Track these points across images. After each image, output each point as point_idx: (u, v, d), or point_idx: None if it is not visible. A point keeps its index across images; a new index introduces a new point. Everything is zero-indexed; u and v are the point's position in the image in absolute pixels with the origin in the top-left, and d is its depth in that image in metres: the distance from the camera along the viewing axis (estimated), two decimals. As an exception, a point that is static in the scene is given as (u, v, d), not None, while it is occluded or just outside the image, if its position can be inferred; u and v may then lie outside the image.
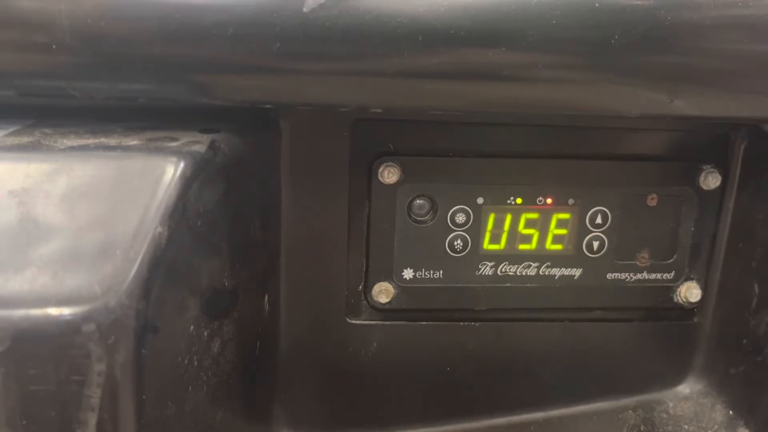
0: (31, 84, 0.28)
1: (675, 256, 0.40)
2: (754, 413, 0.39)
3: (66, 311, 0.24)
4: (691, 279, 0.40)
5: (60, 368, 0.23)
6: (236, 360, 0.33)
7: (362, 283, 0.39)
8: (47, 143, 0.27)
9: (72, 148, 0.27)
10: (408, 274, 0.38)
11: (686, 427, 0.41)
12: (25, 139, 0.28)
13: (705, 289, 0.40)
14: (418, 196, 0.37)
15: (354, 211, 0.37)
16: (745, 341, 0.40)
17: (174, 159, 0.27)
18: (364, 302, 0.39)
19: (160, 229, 0.25)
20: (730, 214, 0.39)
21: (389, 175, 0.36)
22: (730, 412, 0.40)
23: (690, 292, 0.40)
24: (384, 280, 0.38)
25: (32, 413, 0.23)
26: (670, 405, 0.42)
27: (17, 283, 0.24)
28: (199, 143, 0.29)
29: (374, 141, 0.36)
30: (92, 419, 0.24)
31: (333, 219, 0.37)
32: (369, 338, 0.39)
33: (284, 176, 0.36)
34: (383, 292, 0.38)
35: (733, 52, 0.30)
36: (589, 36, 0.29)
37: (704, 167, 0.38)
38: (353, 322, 0.39)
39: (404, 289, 0.39)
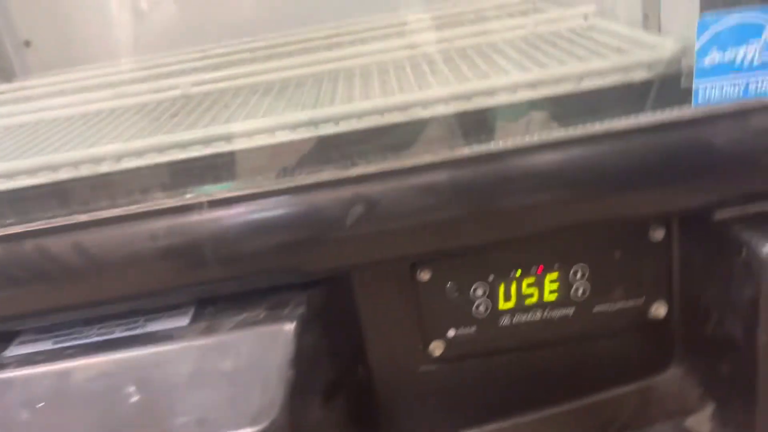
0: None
1: (642, 288, 0.55)
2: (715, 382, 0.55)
3: (249, 429, 0.43)
4: (659, 300, 0.55)
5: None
6: (346, 410, 0.52)
7: (422, 343, 0.56)
8: (215, 326, 0.46)
9: (233, 328, 0.46)
10: (451, 333, 0.56)
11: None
12: (203, 325, 0.47)
13: (670, 305, 0.55)
14: (447, 283, 0.54)
15: (408, 300, 0.54)
16: (704, 335, 0.55)
17: (291, 323, 0.45)
18: (426, 354, 0.57)
19: (290, 372, 0.44)
20: (676, 254, 0.53)
21: (424, 274, 0.53)
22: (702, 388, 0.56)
23: (659, 310, 0.55)
24: (437, 339, 0.56)
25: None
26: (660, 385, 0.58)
27: (216, 412, 0.43)
28: (301, 305, 0.47)
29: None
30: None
31: (396, 308, 0.54)
32: (432, 378, 0.57)
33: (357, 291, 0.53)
34: (437, 347, 0.56)
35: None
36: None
37: (652, 225, 0.53)
38: (420, 369, 0.57)
39: (450, 342, 0.56)
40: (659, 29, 0.59)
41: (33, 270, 0.44)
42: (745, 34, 0.42)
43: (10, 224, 0.45)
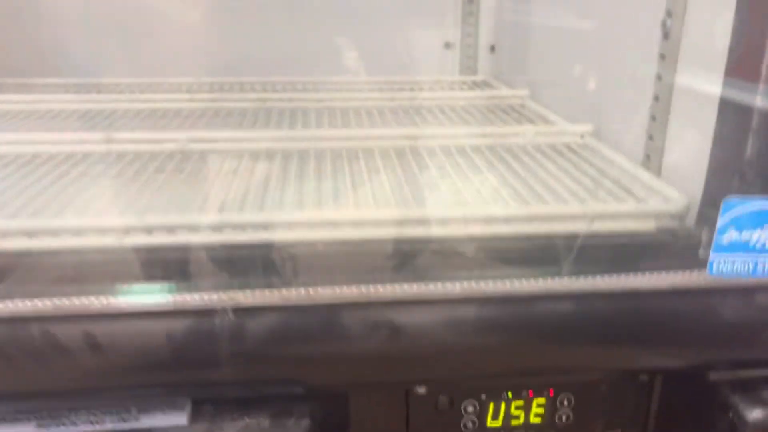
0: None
1: (620, 420, 0.57)
2: None
3: None
4: (632, 435, 0.58)
5: None
6: None
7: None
8: (216, 430, 0.45)
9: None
10: (437, 444, 0.56)
11: None
12: (203, 426, 0.45)
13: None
14: (440, 397, 0.55)
15: (398, 411, 0.54)
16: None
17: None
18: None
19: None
20: (658, 395, 0.56)
21: (421, 388, 0.54)
22: None
23: (632, 444, 0.58)
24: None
25: None
26: None
27: None
28: (304, 417, 0.46)
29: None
30: None
31: (385, 417, 0.54)
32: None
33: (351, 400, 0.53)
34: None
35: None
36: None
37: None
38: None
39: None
40: (659, 172, 0.63)
41: (33, 352, 0.42)
42: (763, 219, 0.45)
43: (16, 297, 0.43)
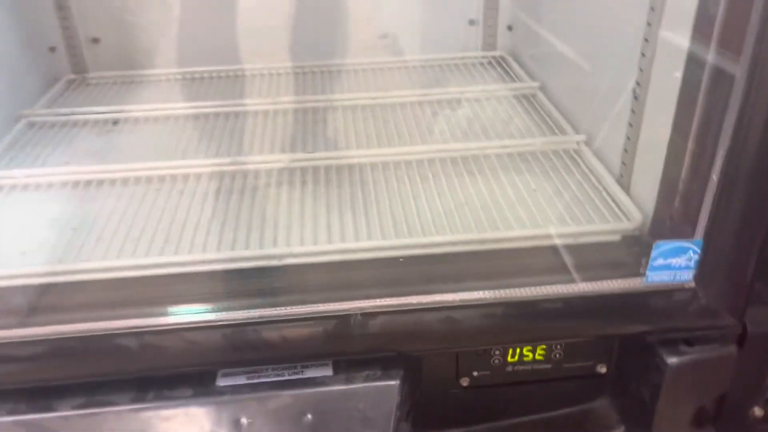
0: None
1: (593, 355, 0.89)
2: None
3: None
4: (602, 363, 0.90)
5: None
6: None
7: (455, 377, 0.89)
8: (351, 378, 0.77)
9: (364, 381, 0.77)
10: (475, 373, 0.89)
11: None
12: (343, 376, 0.77)
13: (609, 367, 0.90)
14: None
15: (450, 353, 0.87)
16: (627, 388, 0.90)
17: (397, 381, 0.77)
18: (458, 383, 0.89)
19: (397, 413, 0.76)
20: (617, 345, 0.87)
21: (466, 342, 0.85)
22: (619, 416, 0.92)
23: (601, 368, 0.90)
24: (464, 377, 0.89)
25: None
26: (595, 409, 0.94)
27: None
28: (400, 368, 0.78)
29: None
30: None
31: (440, 359, 0.86)
32: (458, 398, 0.90)
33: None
34: (464, 381, 0.89)
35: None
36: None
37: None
38: (450, 392, 0.90)
39: (473, 378, 0.89)
40: (629, 190, 0.90)
41: (249, 342, 0.74)
42: (679, 251, 0.74)
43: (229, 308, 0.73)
